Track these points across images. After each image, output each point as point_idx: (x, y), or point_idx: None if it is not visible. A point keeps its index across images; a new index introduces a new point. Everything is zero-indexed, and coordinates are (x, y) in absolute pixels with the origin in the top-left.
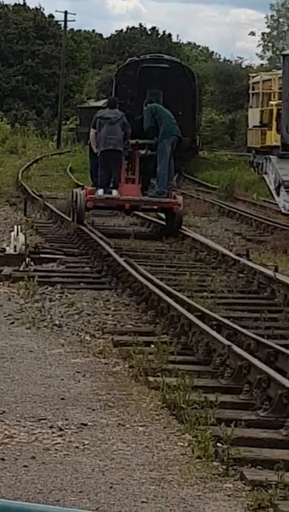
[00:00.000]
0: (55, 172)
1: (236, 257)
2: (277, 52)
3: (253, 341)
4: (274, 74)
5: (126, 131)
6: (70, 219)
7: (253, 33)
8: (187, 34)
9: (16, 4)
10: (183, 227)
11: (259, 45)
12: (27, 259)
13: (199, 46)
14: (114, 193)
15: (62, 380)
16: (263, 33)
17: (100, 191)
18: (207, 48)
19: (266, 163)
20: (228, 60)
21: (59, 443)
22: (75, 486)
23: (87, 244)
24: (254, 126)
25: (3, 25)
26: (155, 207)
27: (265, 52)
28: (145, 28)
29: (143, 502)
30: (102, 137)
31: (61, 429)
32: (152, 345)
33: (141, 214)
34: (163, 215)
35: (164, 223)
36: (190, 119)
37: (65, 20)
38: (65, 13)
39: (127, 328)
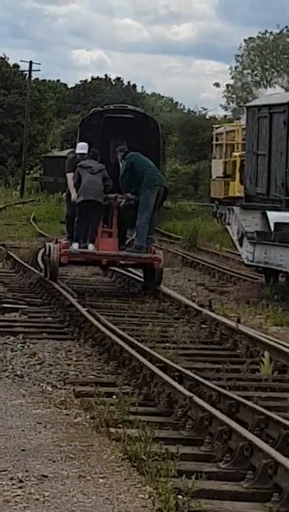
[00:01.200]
0: (18, 221)
1: (199, 308)
2: (241, 104)
3: (214, 393)
4: (237, 125)
5: (106, 183)
6: (41, 274)
7: (217, 85)
8: (152, 85)
9: None
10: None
11: (223, 96)
12: None
13: (164, 97)
14: (91, 247)
15: (23, 431)
16: (227, 85)
17: (75, 245)
18: (171, 99)
19: (229, 214)
20: (192, 111)
21: (19, 495)
22: None
23: (49, 294)
24: (217, 177)
25: None
26: (134, 262)
27: (229, 104)
28: (110, 79)
29: None
30: (82, 187)
31: (21, 481)
32: (114, 396)
33: None
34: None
35: (126, 273)
36: None
37: (30, 70)
38: (30, 63)
39: (89, 379)
